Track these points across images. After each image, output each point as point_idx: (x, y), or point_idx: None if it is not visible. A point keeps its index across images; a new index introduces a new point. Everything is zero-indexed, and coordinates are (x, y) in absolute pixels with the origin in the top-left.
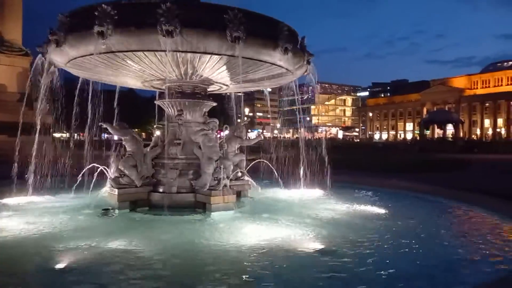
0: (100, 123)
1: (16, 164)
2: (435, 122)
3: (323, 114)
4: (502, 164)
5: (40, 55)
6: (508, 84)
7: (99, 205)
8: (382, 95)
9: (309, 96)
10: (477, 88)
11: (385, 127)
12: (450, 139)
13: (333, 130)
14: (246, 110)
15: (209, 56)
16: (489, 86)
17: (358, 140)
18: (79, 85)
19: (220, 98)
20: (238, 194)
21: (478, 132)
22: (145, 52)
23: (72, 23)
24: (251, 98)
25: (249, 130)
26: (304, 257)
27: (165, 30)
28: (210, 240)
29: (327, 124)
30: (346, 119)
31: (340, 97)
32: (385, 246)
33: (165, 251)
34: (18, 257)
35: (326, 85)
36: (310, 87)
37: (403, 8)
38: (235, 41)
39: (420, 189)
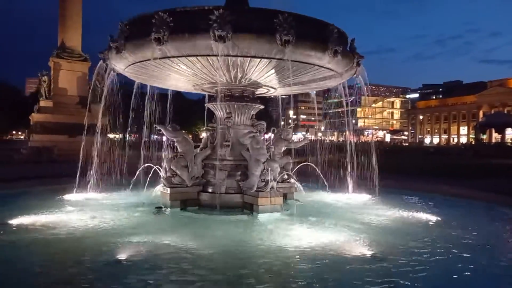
0: (154, 125)
1: (77, 163)
2: (492, 125)
3: (370, 116)
4: None
5: (101, 61)
6: None
7: (153, 203)
8: (434, 97)
9: (356, 98)
10: None
11: (436, 130)
12: (509, 143)
13: (380, 133)
14: (290, 113)
15: (258, 60)
16: None
17: (407, 144)
18: (135, 89)
19: (265, 101)
20: (284, 197)
21: None
22: (197, 57)
23: (131, 31)
24: (294, 100)
25: (293, 133)
26: (353, 262)
27: (217, 36)
28: (258, 240)
29: (374, 127)
30: (394, 122)
31: (388, 99)
32: (438, 254)
33: (215, 248)
34: (82, 249)
35: (373, 87)
36: (357, 89)
37: (453, 7)
38: (285, 45)
39: (472, 195)
